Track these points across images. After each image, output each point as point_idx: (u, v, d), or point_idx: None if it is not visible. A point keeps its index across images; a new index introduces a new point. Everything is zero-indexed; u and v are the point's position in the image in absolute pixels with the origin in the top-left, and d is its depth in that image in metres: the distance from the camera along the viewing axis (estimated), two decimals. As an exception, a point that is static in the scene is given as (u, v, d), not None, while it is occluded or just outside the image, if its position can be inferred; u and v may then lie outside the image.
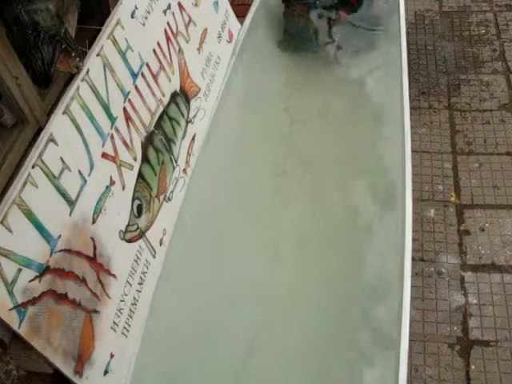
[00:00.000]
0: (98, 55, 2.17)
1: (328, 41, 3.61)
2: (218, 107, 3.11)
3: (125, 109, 2.30)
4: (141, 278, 2.32)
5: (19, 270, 1.69)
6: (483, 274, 2.85)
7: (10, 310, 1.65)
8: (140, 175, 2.37)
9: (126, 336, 2.20)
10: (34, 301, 1.74)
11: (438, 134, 3.53)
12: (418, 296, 2.76)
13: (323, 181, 2.89)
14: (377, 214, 2.69)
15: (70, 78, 2.10)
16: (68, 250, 1.90)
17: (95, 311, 2.03)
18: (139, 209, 2.34)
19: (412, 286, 2.22)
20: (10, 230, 1.68)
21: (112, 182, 2.18)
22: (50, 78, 2.00)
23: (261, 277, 2.54)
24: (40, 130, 2.07)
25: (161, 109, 2.57)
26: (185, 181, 2.74)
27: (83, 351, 1.95)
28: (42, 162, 1.84)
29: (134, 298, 2.27)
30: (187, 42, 2.86)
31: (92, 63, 2.14)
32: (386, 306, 2.30)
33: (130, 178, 2.30)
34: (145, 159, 2.41)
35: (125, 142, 2.28)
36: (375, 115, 3.15)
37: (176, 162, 2.67)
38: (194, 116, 2.89)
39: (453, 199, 3.18)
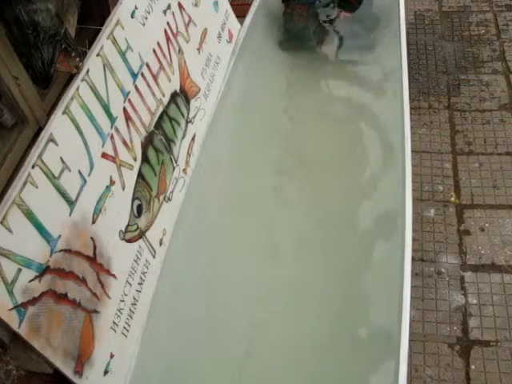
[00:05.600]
0: (97, 55, 2.17)
1: (328, 41, 3.61)
2: (218, 107, 3.11)
3: (125, 109, 2.30)
4: (141, 278, 2.32)
5: (19, 270, 1.69)
6: (483, 274, 2.85)
7: (10, 310, 1.65)
8: (140, 175, 2.37)
9: (126, 336, 2.20)
10: (33, 301, 1.74)
11: (438, 133, 3.53)
12: (418, 296, 2.76)
13: (323, 181, 2.89)
14: (377, 213, 2.69)
15: (70, 78, 2.10)
16: (68, 250, 1.90)
17: (95, 311, 2.03)
18: (139, 209, 2.34)
19: (412, 286, 2.22)
20: (10, 230, 1.68)
21: (112, 182, 2.18)
22: (50, 78, 2.00)
23: (261, 277, 2.54)
24: (40, 129, 2.07)
25: (161, 109, 2.57)
26: (185, 181, 2.74)
27: (83, 351, 1.95)
28: (42, 162, 1.84)
29: (134, 298, 2.27)
30: (187, 42, 2.86)
31: (92, 63, 2.14)
32: (385, 306, 2.30)
33: (130, 178, 2.30)
34: (145, 159, 2.41)
35: (125, 142, 2.28)
36: (375, 115, 3.15)
37: (176, 162, 2.67)
38: (194, 116, 2.89)
39: (453, 199, 3.18)
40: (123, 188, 2.25)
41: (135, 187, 2.33)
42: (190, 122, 2.84)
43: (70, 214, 1.94)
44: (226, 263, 2.59)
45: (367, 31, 3.63)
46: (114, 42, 2.27)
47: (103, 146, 2.15)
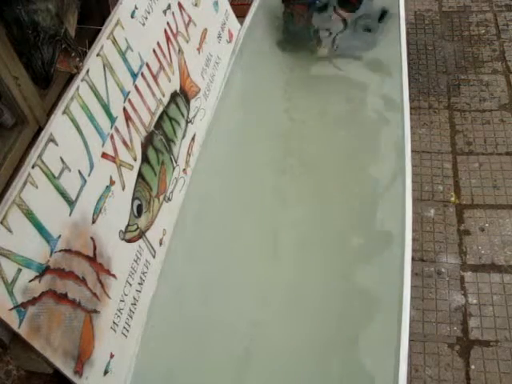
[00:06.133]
0: (97, 55, 2.17)
1: (328, 41, 3.61)
2: (218, 107, 3.11)
3: (125, 109, 2.30)
4: (141, 278, 2.32)
5: (19, 270, 1.69)
6: (483, 274, 2.85)
7: (10, 310, 1.65)
8: (140, 175, 2.37)
9: (126, 336, 2.20)
10: (33, 301, 1.74)
11: (438, 133, 3.53)
12: (417, 296, 2.76)
13: (323, 180, 2.89)
14: (376, 213, 2.69)
15: (70, 78, 2.10)
16: (68, 250, 1.90)
17: (95, 311, 2.03)
18: (139, 209, 2.34)
19: (412, 286, 2.22)
20: (10, 230, 1.68)
21: (112, 182, 2.18)
22: (50, 78, 2.00)
23: (261, 276, 2.54)
24: (40, 129, 2.07)
25: (161, 109, 2.57)
26: (185, 181, 2.74)
27: (83, 351, 1.95)
28: (42, 161, 1.84)
29: (134, 298, 2.27)
30: (187, 42, 2.86)
31: (92, 63, 2.14)
32: (385, 306, 2.30)
33: (130, 177, 2.31)
34: (145, 159, 2.41)
35: (125, 142, 2.28)
36: (375, 115, 3.15)
37: (176, 162, 2.67)
38: (194, 116, 2.89)
39: (453, 199, 3.18)
40: (123, 188, 2.25)
41: (135, 187, 2.33)
42: (190, 122, 2.84)
43: (70, 214, 1.94)
44: (225, 263, 2.59)
45: (367, 31, 3.63)
46: (114, 41, 2.27)
47: (103, 145, 2.15)
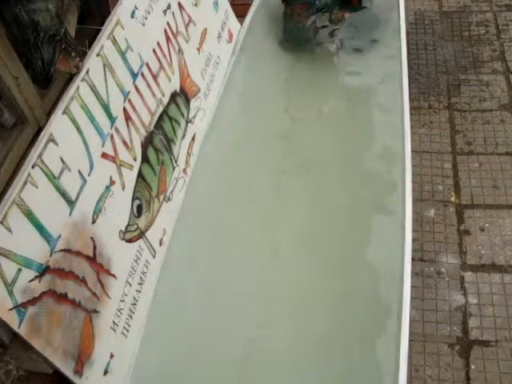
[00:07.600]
0: (97, 55, 2.17)
1: (328, 41, 3.61)
2: (218, 107, 3.11)
3: (125, 109, 2.30)
4: (141, 278, 2.32)
5: (19, 270, 1.69)
6: (483, 274, 2.85)
7: (10, 309, 1.65)
8: (140, 175, 2.37)
9: (126, 336, 2.20)
10: (33, 301, 1.74)
11: (438, 133, 3.53)
12: (417, 296, 2.76)
13: (323, 180, 2.89)
14: (377, 213, 2.69)
15: (70, 78, 2.11)
16: (68, 250, 1.90)
17: (95, 311, 2.03)
18: (139, 209, 2.34)
19: (412, 286, 2.22)
20: (10, 230, 1.68)
21: (112, 182, 2.18)
22: (50, 78, 2.00)
23: (261, 277, 2.54)
24: (40, 129, 2.08)
25: (161, 109, 2.57)
26: (185, 181, 2.75)
27: (83, 351, 1.95)
28: (42, 162, 1.84)
29: (134, 298, 2.27)
30: (187, 41, 2.86)
31: (92, 63, 2.14)
32: (385, 306, 2.30)
33: (130, 177, 2.31)
34: (145, 159, 2.41)
35: (125, 142, 2.28)
36: (375, 115, 3.15)
37: (176, 162, 2.67)
38: (194, 116, 2.89)
39: (453, 199, 3.18)
40: (123, 188, 2.25)
41: (135, 187, 2.33)
42: (190, 121, 2.84)
43: (70, 214, 1.94)
44: (226, 263, 2.59)
45: (367, 31, 3.63)
46: (114, 41, 2.27)
47: (103, 145, 2.15)
